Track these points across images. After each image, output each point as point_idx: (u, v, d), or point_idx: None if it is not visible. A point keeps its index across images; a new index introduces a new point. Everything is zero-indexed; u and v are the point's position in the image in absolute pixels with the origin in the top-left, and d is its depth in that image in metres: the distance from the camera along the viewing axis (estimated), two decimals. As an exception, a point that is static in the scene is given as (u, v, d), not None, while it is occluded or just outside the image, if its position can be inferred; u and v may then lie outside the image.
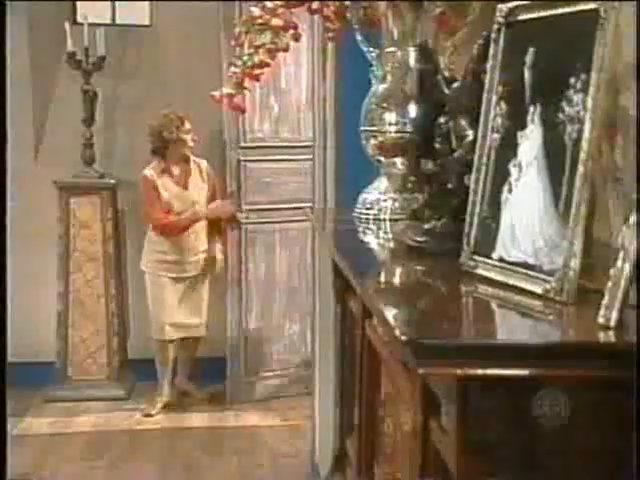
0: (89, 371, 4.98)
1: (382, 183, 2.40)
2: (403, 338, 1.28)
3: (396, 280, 1.88)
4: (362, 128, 2.43)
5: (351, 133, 3.17)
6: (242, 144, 4.76)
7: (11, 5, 4.50)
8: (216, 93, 2.41)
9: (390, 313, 1.48)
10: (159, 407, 4.74)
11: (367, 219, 2.36)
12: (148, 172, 4.63)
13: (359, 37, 2.40)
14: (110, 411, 4.78)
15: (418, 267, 1.86)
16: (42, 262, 4.99)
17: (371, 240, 2.27)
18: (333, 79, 3.48)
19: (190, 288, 4.72)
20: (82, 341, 4.96)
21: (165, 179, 4.64)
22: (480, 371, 1.28)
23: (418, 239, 1.94)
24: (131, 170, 5.04)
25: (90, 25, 4.72)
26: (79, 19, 4.82)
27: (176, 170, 4.68)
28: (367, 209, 2.37)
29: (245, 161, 4.78)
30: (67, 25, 4.67)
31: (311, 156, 4.08)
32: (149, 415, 4.68)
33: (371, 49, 2.37)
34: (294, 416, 4.61)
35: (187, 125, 4.59)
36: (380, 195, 2.36)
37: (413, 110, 2.22)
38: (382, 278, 1.90)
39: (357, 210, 2.44)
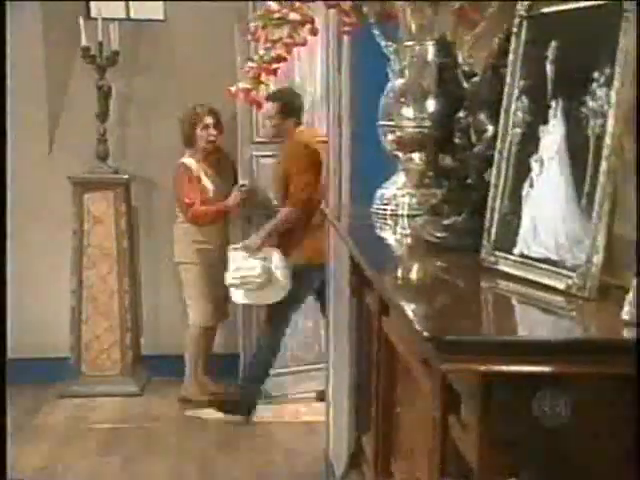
0: (103, 367, 5.00)
1: (400, 178, 2.40)
2: (425, 334, 1.28)
3: (415, 276, 1.88)
4: (379, 123, 2.42)
5: (367, 128, 3.17)
6: (255, 139, 4.76)
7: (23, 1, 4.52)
8: (232, 88, 2.41)
9: (410, 309, 1.48)
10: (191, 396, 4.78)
11: (385, 215, 2.35)
12: (187, 160, 4.69)
13: (376, 31, 2.40)
14: (124, 407, 4.80)
15: (437, 263, 1.86)
16: (56, 258, 5.01)
17: (389, 236, 2.27)
18: (348, 74, 3.46)
19: (218, 275, 4.79)
20: (95, 337, 4.98)
21: (204, 167, 4.71)
22: (503, 367, 1.28)
23: (437, 235, 1.93)
24: (145, 165, 5.06)
25: (104, 20, 4.74)
26: (93, 14, 4.84)
27: (211, 160, 4.75)
28: (384, 205, 2.36)
29: (258, 156, 4.78)
30: (81, 20, 4.69)
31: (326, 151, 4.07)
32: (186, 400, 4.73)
33: (388, 43, 2.36)
34: (308, 413, 4.61)
35: (207, 120, 4.64)
36: (398, 190, 2.36)
37: (431, 105, 2.22)
38: (401, 274, 1.89)
39: (374, 206, 2.43)
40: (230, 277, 4.60)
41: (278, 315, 4.60)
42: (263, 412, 4.69)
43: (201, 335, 4.79)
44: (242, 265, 4.56)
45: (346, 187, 3.66)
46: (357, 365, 2.88)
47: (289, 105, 4.53)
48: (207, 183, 4.70)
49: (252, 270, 4.54)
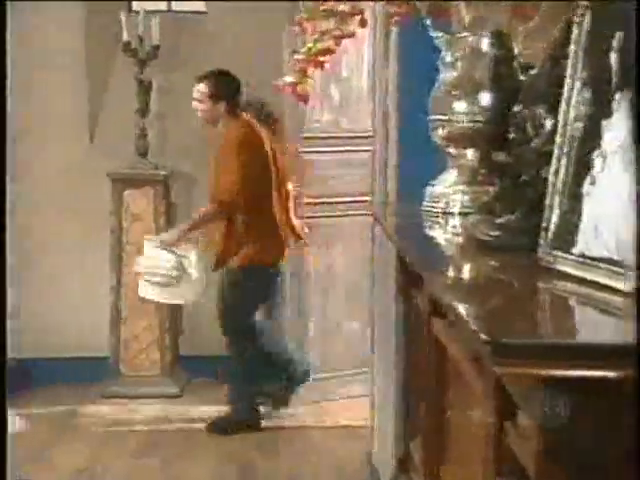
0: (141, 367, 5.01)
1: (450, 175, 2.39)
2: (483, 336, 1.27)
3: (469, 276, 1.87)
4: (430, 117, 2.41)
5: (413, 124, 3.16)
6: (302, 134, 4.72)
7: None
8: (279, 82, 2.42)
9: (466, 310, 1.47)
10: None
11: (435, 213, 2.34)
12: None
13: (427, 22, 2.38)
14: (163, 408, 4.82)
15: (491, 262, 1.84)
16: (95, 256, 5.05)
17: (440, 234, 2.26)
18: (396, 67, 3.46)
19: None
20: (134, 336, 5.00)
21: None
22: (562, 372, 1.26)
23: (490, 233, 1.92)
24: (185, 161, 5.08)
25: (146, 13, 4.77)
26: (135, 7, 4.88)
27: None
28: (434, 202, 2.35)
29: (305, 152, 4.75)
30: (122, 14, 4.73)
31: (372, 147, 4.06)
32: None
33: (440, 35, 2.35)
34: (352, 418, 4.57)
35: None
36: (449, 188, 2.35)
37: (485, 98, 2.20)
38: (454, 274, 1.88)
39: (423, 203, 2.42)
40: (138, 265, 4.35)
41: (241, 324, 4.42)
42: (305, 415, 4.68)
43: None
44: (154, 255, 4.32)
45: (392, 185, 3.66)
46: (404, 367, 2.87)
47: (220, 88, 4.28)
48: None
49: (164, 262, 4.29)
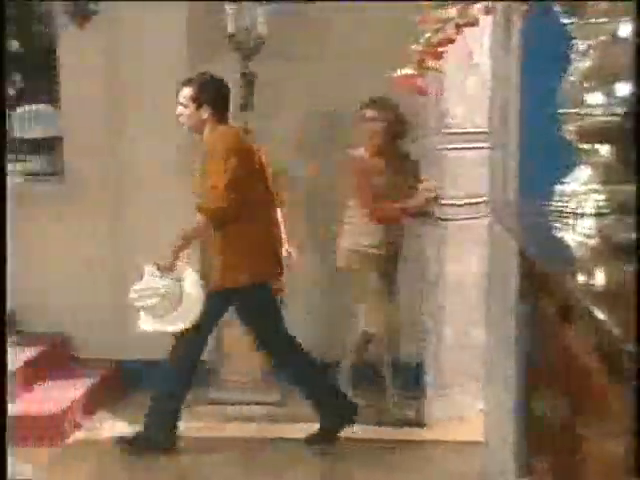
0: (242, 372, 5.05)
1: (583, 173, 2.33)
2: (629, 347, 1.24)
3: (607, 281, 1.82)
4: (559, 110, 2.35)
5: (535, 117, 3.10)
6: (437, 131, 4.56)
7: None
8: (397, 74, 2.41)
9: (605, 317, 1.43)
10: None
11: (565, 213, 2.29)
12: (357, 153, 4.68)
13: (558, 7, 2.33)
14: (265, 416, 4.85)
15: (630, 266, 1.79)
16: (194, 256, 5.14)
17: (571, 236, 2.20)
18: (518, 55, 3.39)
19: (385, 285, 4.79)
20: (235, 340, 5.04)
21: (377, 161, 4.66)
22: None
23: (631, 236, 1.87)
24: (293, 160, 5.09)
25: (250, 3, 4.81)
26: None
27: (387, 153, 4.67)
28: (565, 202, 2.30)
29: (440, 149, 4.58)
30: (227, 5, 4.79)
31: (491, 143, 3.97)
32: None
33: (573, 20, 2.29)
34: (470, 433, 4.44)
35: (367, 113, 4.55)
36: (581, 186, 2.29)
37: (623, 89, 2.13)
38: (590, 277, 1.84)
39: (552, 203, 2.37)
40: (131, 294, 4.30)
41: (189, 343, 4.35)
42: (417, 430, 4.62)
43: (366, 343, 4.80)
44: (148, 281, 4.25)
45: (512, 182, 3.60)
46: (526, 379, 2.82)
47: (204, 92, 4.28)
48: (378, 179, 4.63)
49: (155, 288, 4.22)
